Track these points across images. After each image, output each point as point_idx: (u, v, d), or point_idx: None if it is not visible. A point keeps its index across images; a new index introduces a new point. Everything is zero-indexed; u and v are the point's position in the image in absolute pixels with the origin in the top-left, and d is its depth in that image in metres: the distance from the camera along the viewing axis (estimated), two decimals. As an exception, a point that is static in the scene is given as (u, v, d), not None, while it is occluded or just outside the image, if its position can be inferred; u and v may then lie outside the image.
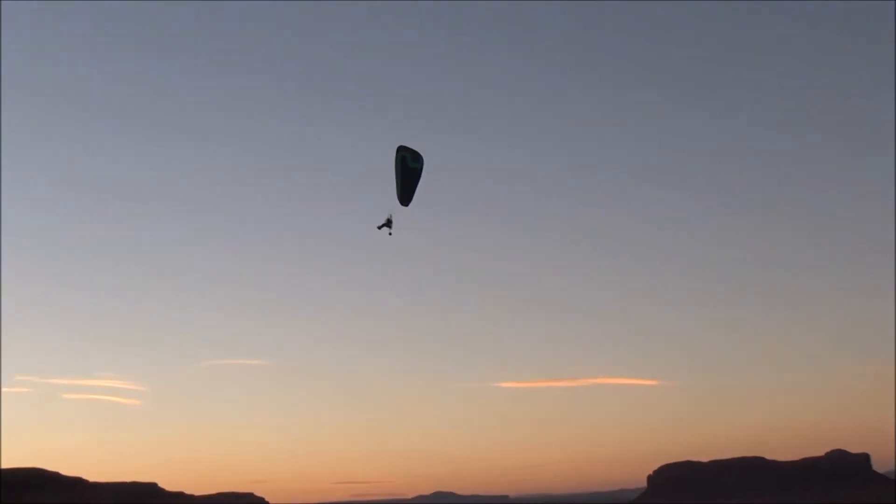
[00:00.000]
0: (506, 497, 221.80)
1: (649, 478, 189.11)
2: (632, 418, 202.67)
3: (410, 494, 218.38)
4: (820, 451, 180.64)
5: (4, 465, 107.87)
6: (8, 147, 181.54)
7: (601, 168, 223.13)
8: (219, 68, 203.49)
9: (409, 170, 34.02)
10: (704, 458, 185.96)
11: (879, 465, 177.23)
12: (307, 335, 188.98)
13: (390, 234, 35.05)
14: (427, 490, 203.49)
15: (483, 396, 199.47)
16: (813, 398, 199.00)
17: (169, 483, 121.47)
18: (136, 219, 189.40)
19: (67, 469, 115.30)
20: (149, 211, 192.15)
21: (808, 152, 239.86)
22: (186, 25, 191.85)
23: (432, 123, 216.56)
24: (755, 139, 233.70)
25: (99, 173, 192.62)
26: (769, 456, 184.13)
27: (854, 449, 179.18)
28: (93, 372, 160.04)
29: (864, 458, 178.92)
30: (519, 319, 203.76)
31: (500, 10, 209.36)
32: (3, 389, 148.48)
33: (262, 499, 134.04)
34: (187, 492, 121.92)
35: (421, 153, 34.16)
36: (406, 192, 34.05)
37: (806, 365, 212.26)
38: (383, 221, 34.80)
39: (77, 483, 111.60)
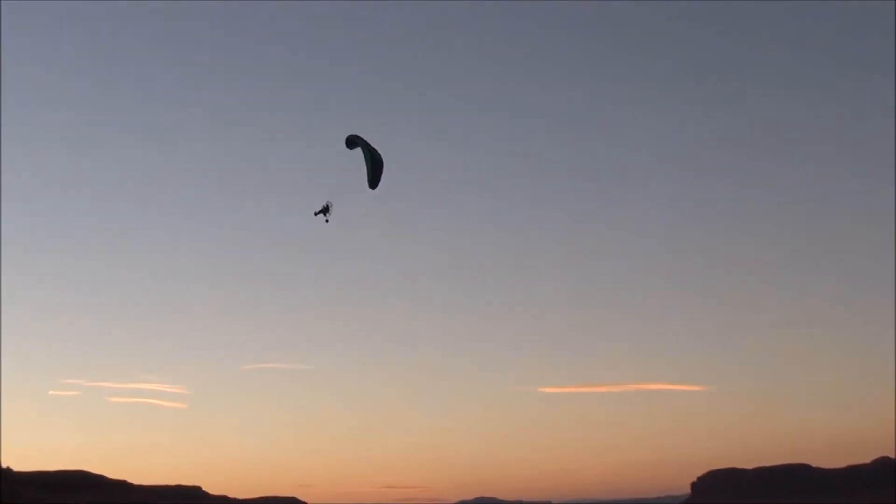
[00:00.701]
0: (548, 502, 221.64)
1: (693, 484, 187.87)
2: (675, 424, 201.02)
3: (453, 499, 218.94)
4: (866, 459, 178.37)
5: (51, 467, 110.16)
6: (51, 146, 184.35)
7: (640, 171, 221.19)
8: (256, 74, 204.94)
9: (377, 158, 33.64)
10: (749, 465, 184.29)
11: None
12: (351, 339, 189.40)
13: (327, 221, 33.97)
14: (470, 495, 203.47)
15: (524, 401, 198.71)
16: (859, 404, 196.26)
17: (212, 486, 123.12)
18: (181, 223, 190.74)
19: (112, 472, 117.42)
20: (195, 215, 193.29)
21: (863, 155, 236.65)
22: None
23: (472, 123, 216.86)
24: (808, 137, 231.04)
25: (144, 181, 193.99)
26: (814, 463, 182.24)
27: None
28: (138, 375, 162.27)
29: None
30: (560, 324, 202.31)
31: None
32: (50, 392, 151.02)
33: (305, 503, 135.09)
34: (231, 495, 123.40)
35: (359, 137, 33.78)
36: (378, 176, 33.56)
37: (852, 370, 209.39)
38: (320, 208, 33.63)
39: (122, 486, 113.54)
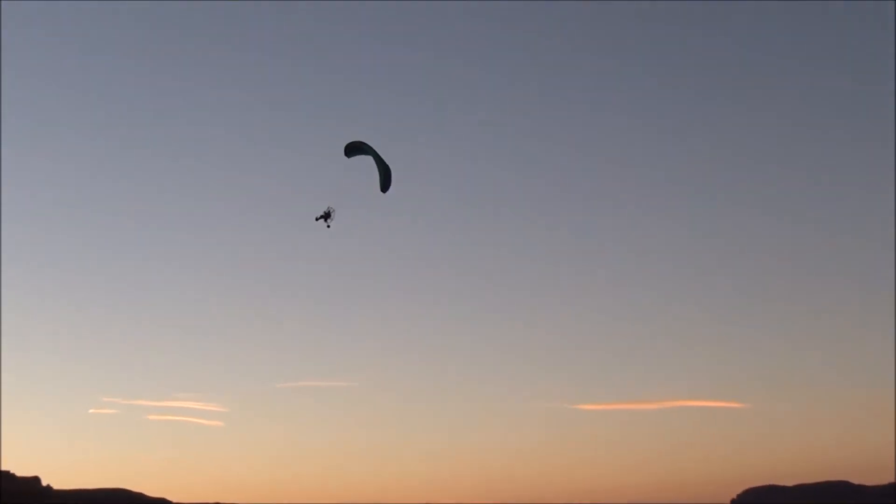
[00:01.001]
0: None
1: (732, 501, 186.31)
2: (713, 441, 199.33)
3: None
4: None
5: (91, 485, 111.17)
6: (89, 166, 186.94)
7: (682, 186, 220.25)
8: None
9: (385, 162, 33.22)
10: (789, 482, 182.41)
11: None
12: (389, 356, 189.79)
13: (328, 226, 33.63)
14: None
15: (560, 418, 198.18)
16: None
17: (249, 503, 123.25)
18: (218, 243, 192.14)
19: (152, 489, 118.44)
20: (231, 234, 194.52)
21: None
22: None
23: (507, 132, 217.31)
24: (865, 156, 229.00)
25: (177, 202, 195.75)
26: (855, 480, 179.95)
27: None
28: (176, 393, 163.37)
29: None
30: (597, 340, 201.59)
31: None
32: (90, 411, 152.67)
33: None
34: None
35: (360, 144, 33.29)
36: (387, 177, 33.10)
37: (894, 385, 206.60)
38: (321, 213, 33.25)
39: (161, 503, 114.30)
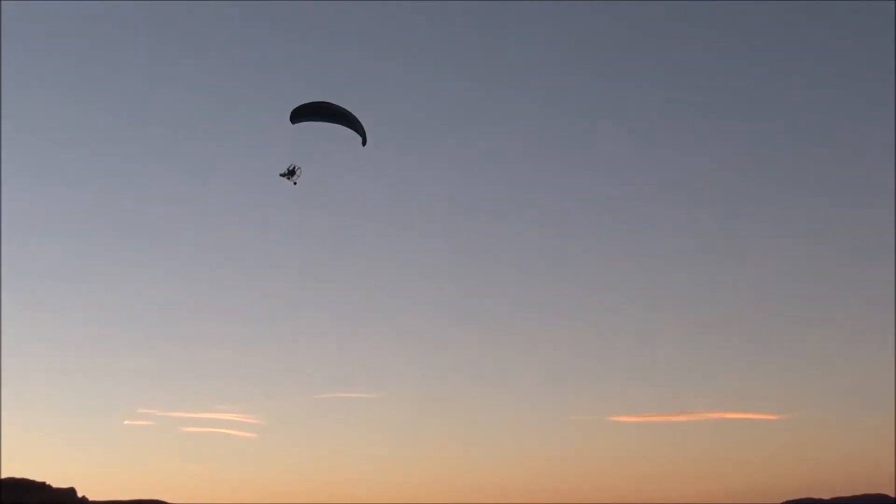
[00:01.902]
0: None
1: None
2: (750, 453, 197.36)
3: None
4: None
5: (126, 497, 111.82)
6: (118, 181, 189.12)
7: (711, 196, 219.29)
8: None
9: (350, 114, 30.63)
10: (826, 495, 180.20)
11: None
12: (423, 368, 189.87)
13: (295, 184, 31.91)
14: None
15: (596, 430, 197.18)
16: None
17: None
18: (252, 255, 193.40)
19: (187, 500, 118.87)
20: (264, 247, 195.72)
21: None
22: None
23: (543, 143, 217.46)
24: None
25: (211, 219, 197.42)
26: (893, 493, 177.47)
27: None
28: (211, 405, 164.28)
29: None
30: (631, 350, 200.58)
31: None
32: (126, 422, 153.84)
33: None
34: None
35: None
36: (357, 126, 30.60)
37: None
38: (284, 171, 31.81)
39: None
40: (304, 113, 31.38)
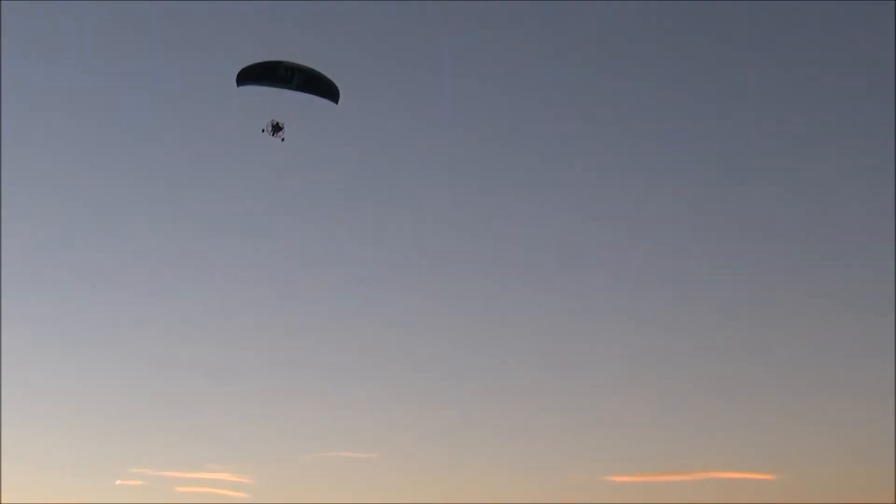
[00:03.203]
0: None
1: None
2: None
3: None
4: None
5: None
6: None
7: (717, 258, 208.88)
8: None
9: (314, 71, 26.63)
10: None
11: None
12: (418, 428, 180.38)
13: (283, 140, 27.98)
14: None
15: (591, 490, 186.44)
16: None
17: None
18: (243, 313, 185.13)
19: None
20: (256, 305, 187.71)
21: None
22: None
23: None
24: None
25: (202, 277, 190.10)
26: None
27: None
28: (203, 464, 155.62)
29: None
30: (627, 409, 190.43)
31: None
32: (117, 482, 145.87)
33: None
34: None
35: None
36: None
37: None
38: (268, 128, 28.33)
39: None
40: (251, 76, 26.96)
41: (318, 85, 26.40)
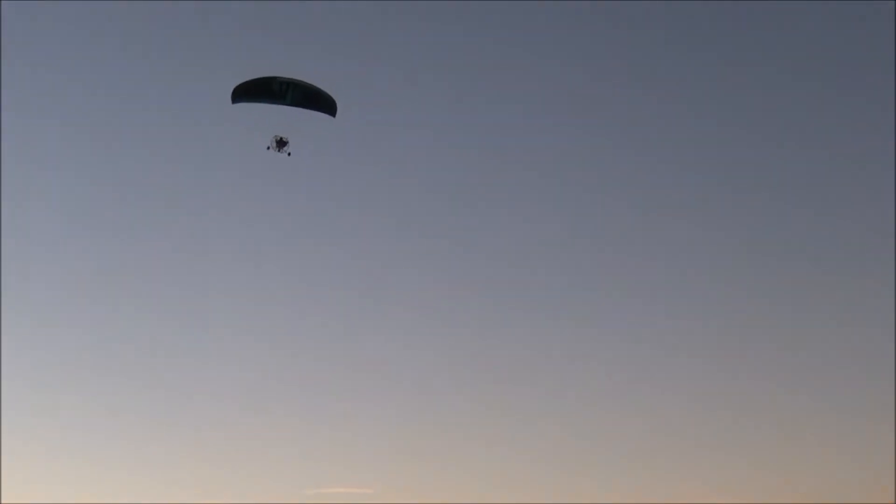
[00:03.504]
0: None
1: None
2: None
3: None
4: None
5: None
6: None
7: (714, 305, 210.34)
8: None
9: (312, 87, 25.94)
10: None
11: None
12: (416, 463, 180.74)
13: (289, 154, 27.52)
14: None
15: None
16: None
17: None
18: (248, 352, 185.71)
19: None
20: (259, 342, 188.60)
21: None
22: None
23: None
24: None
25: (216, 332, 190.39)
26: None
27: None
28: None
29: None
30: (628, 444, 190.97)
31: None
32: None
33: None
34: None
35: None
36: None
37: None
38: (273, 144, 27.94)
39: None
40: (246, 93, 26.44)
41: (314, 99, 26.03)
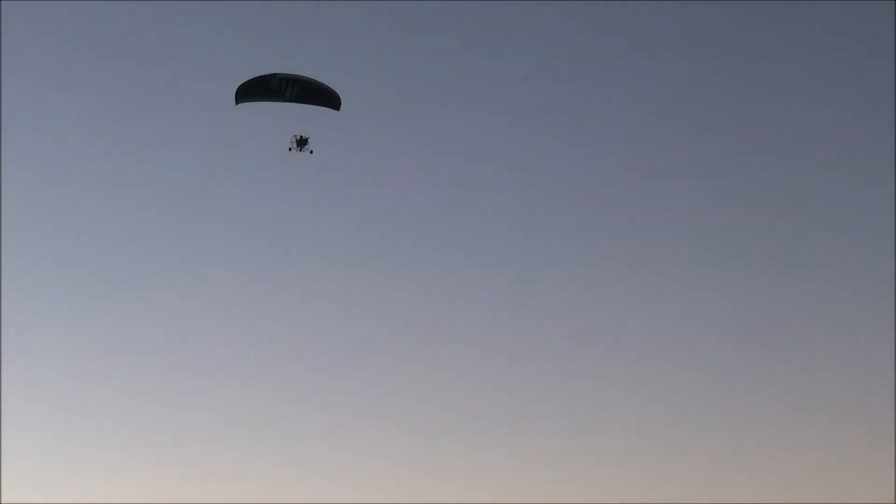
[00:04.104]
0: None
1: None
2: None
3: None
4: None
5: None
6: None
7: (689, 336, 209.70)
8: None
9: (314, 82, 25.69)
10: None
11: None
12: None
13: (311, 152, 27.33)
14: None
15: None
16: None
17: None
18: (245, 378, 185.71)
19: None
20: (259, 369, 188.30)
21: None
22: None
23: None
24: None
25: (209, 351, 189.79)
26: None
27: None
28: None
29: None
30: (616, 475, 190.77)
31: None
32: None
33: None
34: None
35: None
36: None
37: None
38: (294, 144, 27.99)
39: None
40: (247, 92, 26.38)
41: (315, 93, 25.86)
